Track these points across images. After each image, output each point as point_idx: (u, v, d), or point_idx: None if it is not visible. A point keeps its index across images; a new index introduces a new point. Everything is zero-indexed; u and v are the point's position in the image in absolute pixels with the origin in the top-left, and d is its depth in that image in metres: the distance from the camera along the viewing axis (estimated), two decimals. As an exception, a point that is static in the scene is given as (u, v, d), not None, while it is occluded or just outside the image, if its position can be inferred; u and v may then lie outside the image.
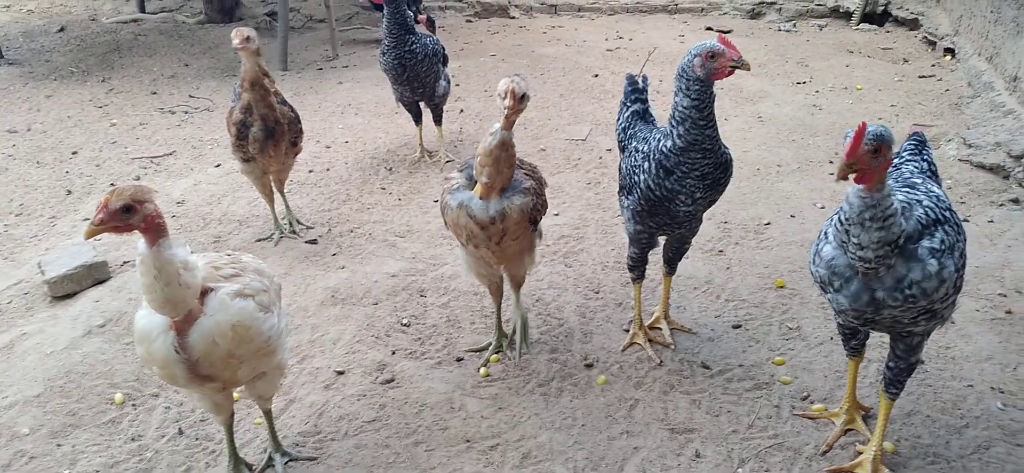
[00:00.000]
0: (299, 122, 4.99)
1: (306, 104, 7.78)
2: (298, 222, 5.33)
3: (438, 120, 6.35)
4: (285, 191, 5.31)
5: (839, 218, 2.66)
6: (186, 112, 7.73)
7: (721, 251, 4.86)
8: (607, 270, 4.71)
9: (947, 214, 2.77)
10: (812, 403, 3.57)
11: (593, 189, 5.77)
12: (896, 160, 3.29)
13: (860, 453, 3.22)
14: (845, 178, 2.54)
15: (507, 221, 3.36)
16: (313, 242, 5.14)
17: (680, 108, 3.33)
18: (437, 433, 3.47)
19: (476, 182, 3.35)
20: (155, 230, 2.55)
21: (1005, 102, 6.35)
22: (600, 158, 6.30)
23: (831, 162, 6.01)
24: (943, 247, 2.66)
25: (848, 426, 3.38)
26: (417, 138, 6.44)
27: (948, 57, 8.34)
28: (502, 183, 3.32)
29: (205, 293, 2.71)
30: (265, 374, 3.06)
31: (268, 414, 3.33)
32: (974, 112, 6.68)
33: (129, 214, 2.51)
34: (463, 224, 3.38)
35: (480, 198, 3.33)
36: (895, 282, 2.64)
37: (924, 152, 3.27)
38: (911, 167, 3.18)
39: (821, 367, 3.79)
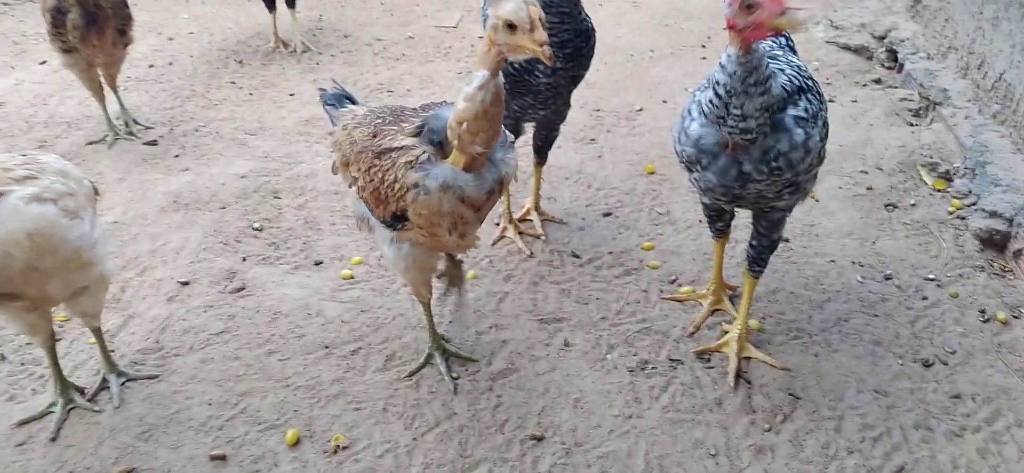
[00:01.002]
0: (126, 6, 4.43)
1: (147, -7, 7.05)
2: (135, 121, 4.81)
3: (292, 2, 5.85)
4: (119, 87, 4.76)
5: (716, 92, 2.49)
6: (6, 3, 6.84)
7: (593, 139, 4.72)
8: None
9: (809, 82, 2.70)
10: (680, 286, 3.53)
11: (464, 78, 5.49)
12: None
13: (726, 332, 3.21)
14: (777, 34, 2.57)
15: (502, 191, 2.65)
16: (153, 143, 4.66)
17: None
18: (292, 341, 3.22)
19: (451, 148, 2.45)
20: None
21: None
22: (472, 46, 6.00)
23: (704, 46, 5.94)
24: (807, 115, 2.59)
25: (715, 307, 3.36)
26: (271, 27, 5.92)
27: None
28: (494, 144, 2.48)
29: None
30: (86, 289, 2.71)
31: (98, 332, 2.99)
32: (838, -6, 6.74)
33: None
34: (448, 211, 2.47)
35: (466, 170, 2.45)
36: (762, 154, 2.55)
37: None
38: (767, 41, 3.08)
39: (689, 250, 3.75)
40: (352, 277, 3.59)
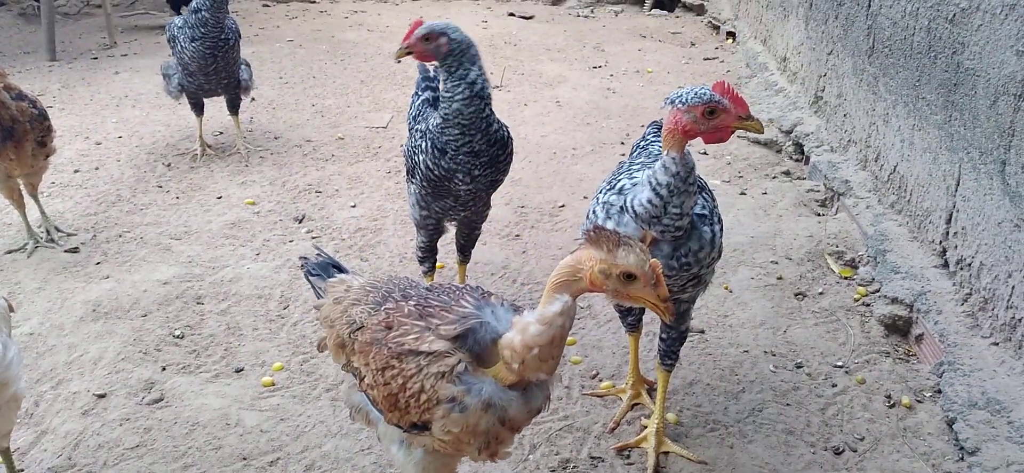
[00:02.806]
0: (45, 118, 4.42)
1: (76, 97, 7.03)
2: (57, 228, 4.76)
3: (235, 108, 5.90)
4: (40, 195, 4.72)
5: (657, 193, 2.58)
6: (-74, 109, 6.74)
7: (517, 235, 4.84)
8: (405, 262, 4.56)
9: (703, 181, 2.87)
10: (601, 381, 3.60)
11: (393, 177, 5.59)
12: (642, 142, 3.42)
13: (645, 426, 3.28)
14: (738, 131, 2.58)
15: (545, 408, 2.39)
16: (74, 250, 4.60)
17: (446, 85, 3.22)
18: (209, 453, 3.17)
19: (491, 360, 2.18)
20: None
21: (777, 81, 6.81)
22: (401, 145, 6.12)
23: (623, 143, 6.18)
24: (706, 212, 2.76)
25: (634, 401, 3.44)
26: (198, 131, 5.95)
27: (730, 40, 8.87)
28: None
29: None
30: (-3, 410, 2.66)
31: (6, 454, 2.91)
32: (751, 91, 7.10)
33: None
34: (484, 430, 2.17)
35: (509, 386, 2.18)
36: (672, 250, 2.69)
37: None
38: (658, 145, 3.29)
39: (610, 344, 3.85)
40: (273, 384, 3.57)
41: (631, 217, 2.70)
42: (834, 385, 3.59)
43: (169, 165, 5.75)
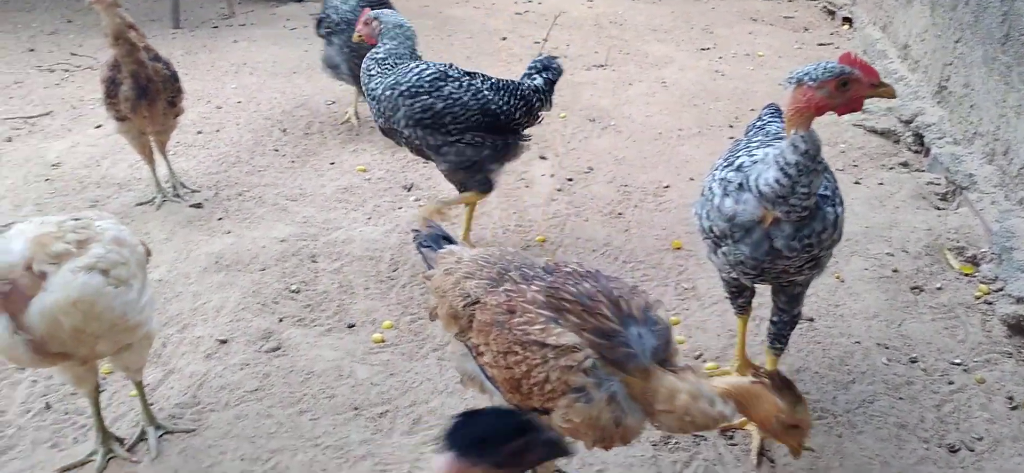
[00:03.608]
0: (177, 80, 4.67)
1: (198, 63, 7.38)
2: (182, 185, 5.03)
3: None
4: (168, 153, 4.99)
5: (784, 172, 2.54)
6: (66, 70, 7.22)
7: (620, 213, 4.83)
8: (508, 233, 4.62)
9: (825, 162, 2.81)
10: (705, 362, 3.58)
11: (496, 152, 5.65)
12: (758, 122, 3.36)
13: (750, 410, 3.24)
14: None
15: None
16: (198, 206, 4.86)
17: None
18: (323, 401, 3.32)
19: (638, 383, 2.21)
20: None
21: (897, 69, 6.53)
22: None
23: (731, 126, 6.06)
24: (828, 192, 2.70)
25: (739, 383, 3.40)
26: (354, 101, 6.12)
27: (846, 26, 8.55)
28: None
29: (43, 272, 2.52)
30: (131, 346, 2.86)
31: (139, 386, 3.12)
32: (867, 79, 6.85)
33: None
34: (602, 426, 2.21)
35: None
36: (795, 231, 2.65)
37: (783, 115, 3.34)
38: (776, 125, 3.22)
39: (715, 326, 3.81)
40: (383, 341, 3.70)
41: (753, 195, 2.66)
42: (951, 382, 3.46)
43: (285, 130, 5.98)
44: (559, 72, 4.31)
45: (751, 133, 3.30)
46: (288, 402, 3.31)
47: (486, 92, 4.04)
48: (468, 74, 4.10)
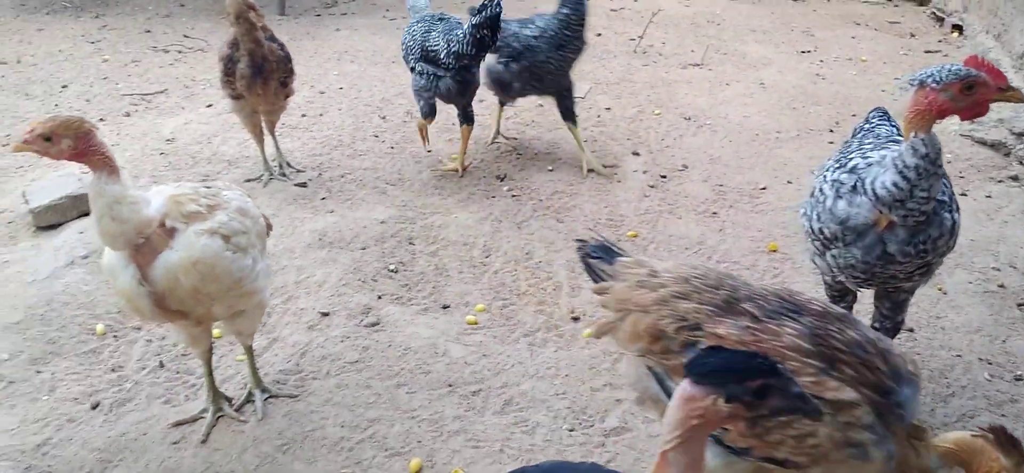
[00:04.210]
0: (289, 61, 4.89)
1: (302, 49, 7.65)
2: (288, 164, 5.26)
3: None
4: (276, 133, 5.22)
5: (903, 175, 2.51)
6: (180, 51, 7.60)
7: (715, 213, 4.81)
8: (600, 226, 4.65)
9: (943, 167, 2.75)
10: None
11: (590, 146, 5.69)
12: (866, 125, 3.31)
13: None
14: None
15: None
16: (303, 185, 5.07)
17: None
18: (420, 376, 3.43)
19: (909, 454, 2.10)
20: (93, 163, 2.57)
21: (1011, 80, 6.27)
22: (598, 116, 6.22)
23: (832, 131, 5.94)
24: (945, 198, 2.65)
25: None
26: (496, 119, 5.80)
27: (955, 33, 8.24)
28: None
29: (173, 229, 2.69)
30: (245, 312, 3.03)
31: (249, 350, 3.30)
32: (978, 88, 6.59)
33: (49, 143, 2.55)
34: None
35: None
36: (909, 236, 2.61)
37: (891, 119, 3.28)
38: (885, 128, 3.16)
39: (810, 330, 3.76)
40: (476, 323, 3.80)
41: (868, 198, 2.63)
42: (1057, 402, 3.34)
43: (384, 118, 6.16)
44: (491, 15, 4.65)
45: (859, 136, 3.25)
46: (386, 375, 3.44)
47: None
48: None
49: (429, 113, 5.12)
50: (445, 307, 3.92)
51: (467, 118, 5.20)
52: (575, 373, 3.48)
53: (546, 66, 5.09)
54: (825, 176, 2.84)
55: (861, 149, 2.86)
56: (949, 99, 2.44)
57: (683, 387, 1.59)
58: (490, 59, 5.15)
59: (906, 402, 2.11)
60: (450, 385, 3.39)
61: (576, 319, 3.83)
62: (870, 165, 2.67)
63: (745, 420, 1.63)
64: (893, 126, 3.21)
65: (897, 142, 2.92)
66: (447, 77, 4.90)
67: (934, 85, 2.46)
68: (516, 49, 5.08)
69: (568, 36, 5.07)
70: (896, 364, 2.15)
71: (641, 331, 2.38)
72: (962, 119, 2.56)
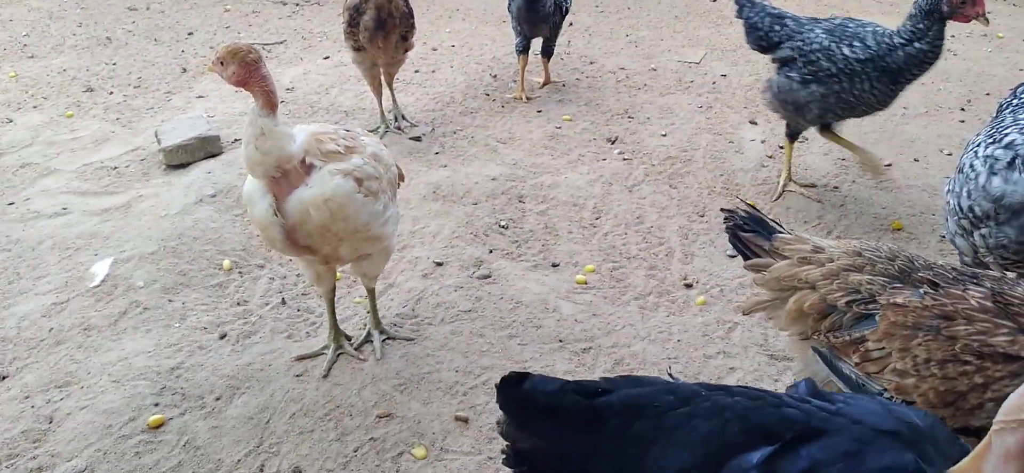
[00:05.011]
0: (412, 17, 4.96)
1: (415, 6, 7.72)
2: (404, 118, 5.35)
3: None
4: (394, 87, 5.32)
5: None
6: (297, 4, 7.82)
7: (836, 188, 4.64)
8: (714, 195, 4.56)
9: None
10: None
11: (705, 113, 5.58)
12: (1014, 99, 3.17)
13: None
14: None
15: None
16: (417, 139, 5.16)
17: None
18: (531, 330, 3.46)
19: None
20: (254, 92, 2.74)
21: None
22: (714, 83, 6.07)
23: (963, 109, 5.63)
24: None
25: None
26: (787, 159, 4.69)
27: (1103, 12, 7.66)
28: None
29: (310, 166, 2.79)
30: (370, 255, 3.11)
31: (371, 293, 3.39)
32: None
33: (222, 66, 2.76)
34: None
35: None
36: None
37: None
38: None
39: (937, 313, 3.60)
40: (586, 282, 3.79)
41: (1005, 171, 2.50)
42: None
43: (495, 76, 6.19)
44: None
45: (1010, 110, 3.08)
46: (498, 326, 3.48)
47: None
48: None
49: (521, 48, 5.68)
50: (555, 265, 3.93)
51: (525, 49, 5.73)
52: (688, 339, 3.44)
53: (867, 97, 4.07)
54: (976, 152, 2.71)
55: (1017, 123, 2.70)
56: None
57: None
58: (780, 73, 4.30)
59: None
60: (561, 340, 3.40)
61: (689, 286, 3.78)
62: None
63: None
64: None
65: None
66: None
67: None
68: (826, 69, 4.07)
69: (912, 74, 3.97)
70: None
71: (806, 309, 2.29)
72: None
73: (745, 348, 3.38)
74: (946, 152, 5.05)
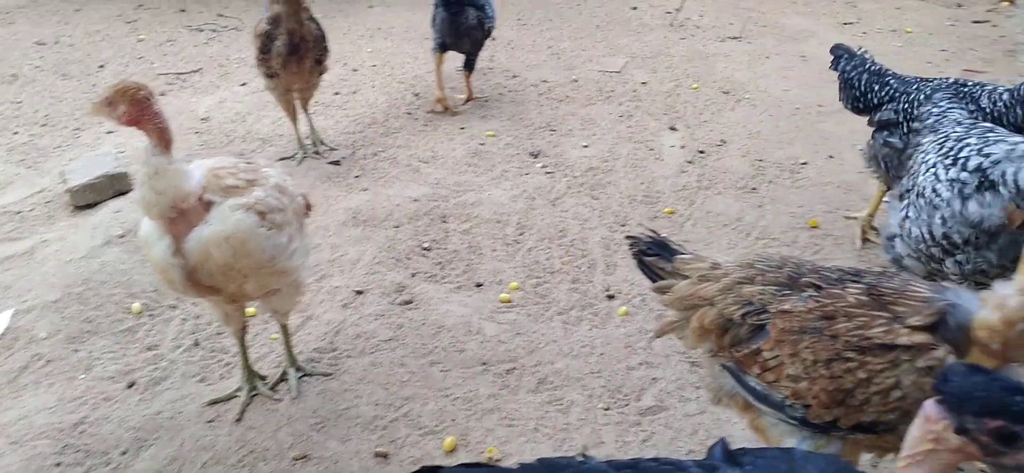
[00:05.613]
0: (325, 40, 4.87)
1: (335, 27, 7.62)
2: (322, 142, 5.24)
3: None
4: (310, 111, 5.21)
5: None
6: (214, 30, 7.63)
7: (754, 189, 4.69)
8: (635, 204, 4.57)
9: None
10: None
11: (625, 122, 5.60)
12: (934, 109, 3.21)
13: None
14: None
15: None
16: (336, 163, 5.05)
17: None
18: (453, 355, 3.40)
19: (974, 352, 1.99)
20: (147, 131, 2.62)
21: (1063, 48, 6.03)
22: (634, 91, 6.10)
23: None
24: None
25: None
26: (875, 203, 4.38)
27: (1006, 3, 7.95)
28: None
29: (209, 203, 2.67)
30: (279, 291, 3.01)
31: (284, 329, 3.29)
32: (1029, 59, 6.37)
33: (111, 107, 2.61)
34: None
35: None
36: None
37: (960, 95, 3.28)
38: (957, 112, 3.09)
39: (853, 309, 3.65)
40: (510, 301, 3.75)
41: (1008, 191, 2.51)
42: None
43: (417, 94, 6.12)
44: None
45: (933, 122, 3.12)
46: (420, 353, 3.41)
47: None
48: None
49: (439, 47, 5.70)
50: (479, 285, 3.87)
51: (442, 48, 5.71)
52: (610, 352, 3.42)
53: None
54: (937, 175, 2.70)
55: (968, 143, 2.71)
56: None
57: (926, 404, 1.42)
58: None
59: (955, 308, 2.00)
60: (484, 363, 3.35)
61: (611, 297, 3.77)
62: (999, 162, 2.54)
63: (979, 459, 1.41)
64: (964, 106, 3.08)
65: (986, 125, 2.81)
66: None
67: None
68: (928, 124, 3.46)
69: None
70: (928, 289, 2.08)
71: (708, 325, 2.32)
72: None
73: (667, 356, 3.38)
74: (859, 147, 5.15)
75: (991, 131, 2.79)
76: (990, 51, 6.81)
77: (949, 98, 3.41)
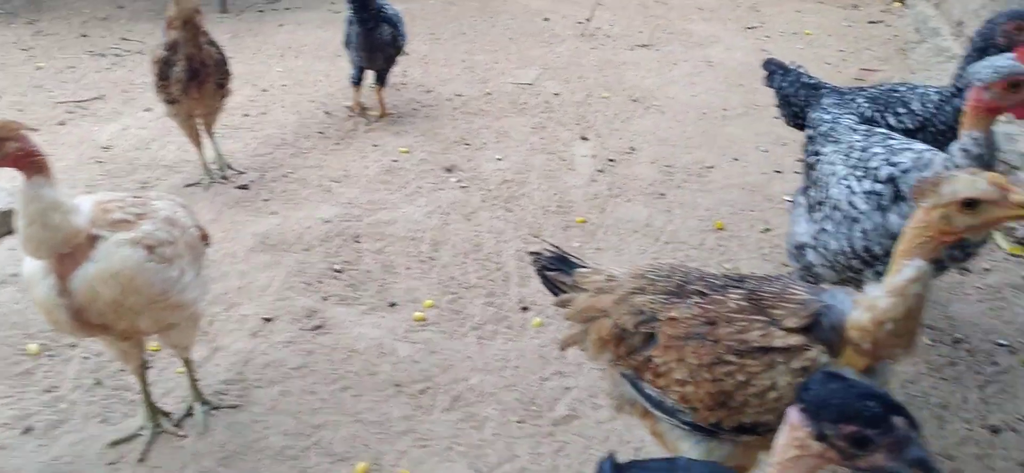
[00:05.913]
0: (226, 64, 4.77)
1: (244, 46, 7.49)
2: (229, 167, 5.13)
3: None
4: (215, 135, 5.10)
5: None
6: (118, 54, 7.39)
7: (662, 194, 4.80)
8: (549, 214, 4.62)
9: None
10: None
11: (538, 133, 5.66)
12: (826, 116, 3.31)
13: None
14: None
15: None
16: (244, 187, 4.96)
17: None
18: (366, 378, 3.38)
19: (848, 352, 2.04)
20: (27, 167, 2.48)
21: (949, 47, 6.35)
22: (547, 102, 6.17)
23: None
24: None
25: None
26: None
27: (897, 3, 8.33)
28: None
29: (95, 238, 2.57)
30: (177, 325, 2.93)
31: (187, 363, 3.21)
32: (919, 57, 6.67)
33: None
34: None
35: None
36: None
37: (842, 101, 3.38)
38: (849, 118, 3.19)
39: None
40: (424, 319, 3.74)
41: (894, 206, 2.57)
42: (995, 363, 3.39)
43: (329, 113, 6.06)
44: None
45: (825, 128, 3.20)
46: (331, 379, 3.37)
47: None
48: None
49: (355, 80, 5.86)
50: (392, 305, 3.85)
51: (358, 82, 5.90)
52: (524, 364, 3.45)
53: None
54: (851, 188, 2.73)
55: (875, 153, 2.75)
56: (993, 98, 2.35)
57: (789, 411, 1.46)
58: None
59: (829, 309, 2.05)
60: (397, 385, 3.33)
61: (525, 309, 3.80)
62: (909, 172, 2.58)
63: (840, 464, 1.44)
64: (851, 113, 3.18)
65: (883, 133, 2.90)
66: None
67: (978, 82, 2.37)
68: None
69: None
70: (806, 291, 2.14)
71: (605, 335, 2.37)
72: (1017, 118, 2.48)
73: (579, 365, 3.42)
74: (763, 149, 5.34)
75: (890, 137, 2.87)
76: (884, 50, 7.13)
77: (835, 103, 3.45)
